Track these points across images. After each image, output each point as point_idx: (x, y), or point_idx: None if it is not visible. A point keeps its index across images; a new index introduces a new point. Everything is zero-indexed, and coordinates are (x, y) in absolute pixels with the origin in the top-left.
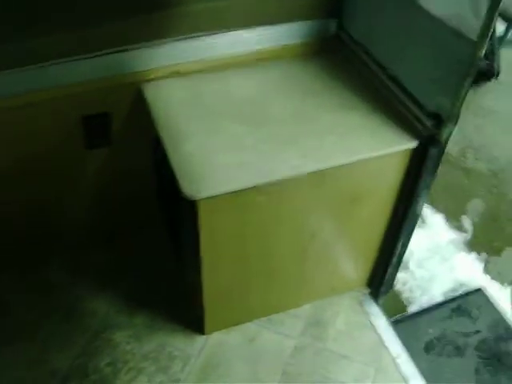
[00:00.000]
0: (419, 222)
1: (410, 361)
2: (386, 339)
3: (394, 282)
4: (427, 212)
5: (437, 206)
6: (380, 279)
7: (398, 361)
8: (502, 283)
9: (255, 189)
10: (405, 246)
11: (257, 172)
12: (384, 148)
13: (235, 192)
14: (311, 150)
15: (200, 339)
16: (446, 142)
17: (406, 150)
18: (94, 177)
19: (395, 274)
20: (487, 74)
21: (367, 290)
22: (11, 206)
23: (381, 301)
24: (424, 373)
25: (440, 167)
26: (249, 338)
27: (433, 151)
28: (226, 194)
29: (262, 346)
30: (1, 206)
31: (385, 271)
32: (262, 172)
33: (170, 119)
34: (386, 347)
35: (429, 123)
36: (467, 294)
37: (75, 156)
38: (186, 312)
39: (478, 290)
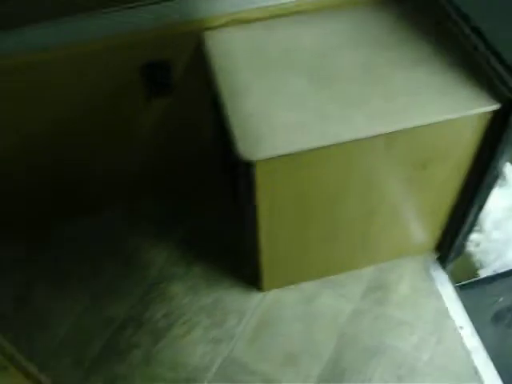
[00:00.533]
0: (499, 179)
1: (475, 333)
2: (450, 308)
3: (466, 246)
4: (509, 170)
5: None
6: (449, 245)
7: (462, 332)
8: None
9: (317, 151)
10: (477, 213)
11: (319, 134)
12: (460, 110)
13: (295, 154)
14: (380, 111)
15: (257, 295)
16: None
17: (484, 112)
18: (155, 129)
19: (466, 241)
20: None
21: (435, 255)
22: (73, 152)
23: (449, 267)
24: (489, 346)
25: None
26: (307, 298)
27: None
28: (285, 155)
29: (320, 306)
30: (63, 153)
31: (455, 237)
32: (325, 134)
33: (230, 73)
34: (450, 316)
35: None
36: None
37: (135, 107)
38: (244, 267)
39: None
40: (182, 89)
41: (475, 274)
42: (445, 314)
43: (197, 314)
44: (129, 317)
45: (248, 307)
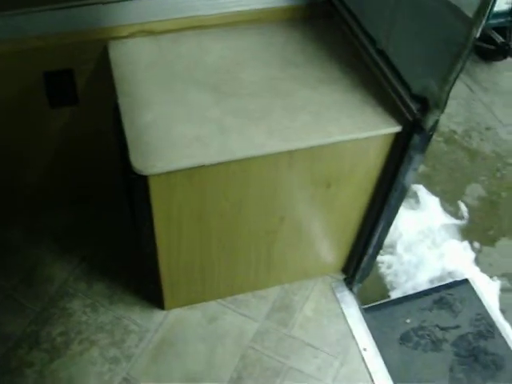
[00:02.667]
0: (413, 202)
1: (378, 355)
2: (355, 330)
3: (373, 267)
4: (423, 192)
5: (434, 188)
6: (356, 266)
7: (366, 354)
8: (491, 276)
9: (214, 167)
10: (383, 234)
11: (218, 149)
12: (362, 131)
13: (190, 169)
14: (280, 127)
15: (159, 314)
16: (432, 130)
17: (386, 134)
18: (59, 137)
19: (373, 262)
20: (503, 51)
21: (342, 276)
22: None
23: (356, 288)
24: (393, 367)
25: (444, 146)
26: (210, 318)
27: (416, 138)
28: (181, 170)
29: (224, 326)
30: None
31: (361, 258)
32: (224, 149)
33: (132, 83)
34: (354, 338)
35: (414, 107)
36: (453, 284)
37: (39, 114)
38: (147, 284)
39: (465, 281)
40: (87, 98)
41: (386, 296)
42: (349, 335)
43: (95, 332)
44: (25, 334)
45: (149, 326)
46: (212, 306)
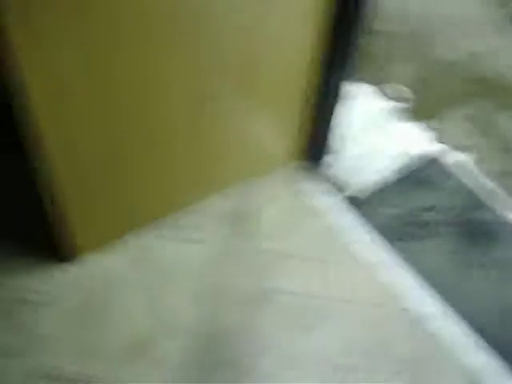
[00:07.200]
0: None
1: (372, 248)
2: (336, 225)
3: (330, 158)
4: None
5: (363, 78)
6: (313, 146)
7: (356, 247)
8: (452, 149)
9: None
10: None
11: None
12: None
13: None
14: None
15: (69, 270)
16: None
17: None
18: None
19: (329, 138)
20: None
21: (299, 165)
22: None
23: (319, 177)
24: (390, 259)
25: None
26: (141, 255)
27: None
28: None
29: (163, 261)
30: None
31: (317, 135)
32: None
33: None
34: (337, 233)
35: None
36: (423, 165)
37: None
38: (43, 235)
39: (433, 160)
40: None
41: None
42: (330, 232)
43: None
44: None
45: (59, 289)
46: (139, 239)
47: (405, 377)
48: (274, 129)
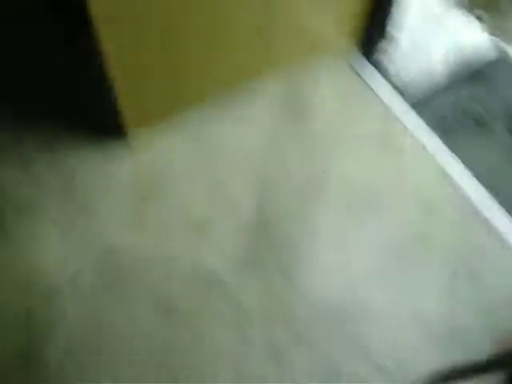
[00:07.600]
0: None
1: (425, 134)
2: (388, 111)
3: (386, 45)
4: None
5: None
6: (370, 32)
7: (410, 135)
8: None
9: None
10: None
11: None
12: None
13: None
14: None
15: (123, 151)
16: None
17: None
18: None
19: (387, 24)
20: None
21: (355, 51)
22: None
23: (374, 63)
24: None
25: None
26: (194, 136)
27: None
28: None
29: (220, 143)
30: None
31: (375, 20)
32: None
33: None
34: (390, 121)
35: None
36: (474, 58)
37: None
38: (97, 111)
39: (486, 54)
40: None
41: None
42: (382, 119)
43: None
44: None
45: (114, 172)
46: (192, 120)
47: (456, 262)
48: (333, 8)
